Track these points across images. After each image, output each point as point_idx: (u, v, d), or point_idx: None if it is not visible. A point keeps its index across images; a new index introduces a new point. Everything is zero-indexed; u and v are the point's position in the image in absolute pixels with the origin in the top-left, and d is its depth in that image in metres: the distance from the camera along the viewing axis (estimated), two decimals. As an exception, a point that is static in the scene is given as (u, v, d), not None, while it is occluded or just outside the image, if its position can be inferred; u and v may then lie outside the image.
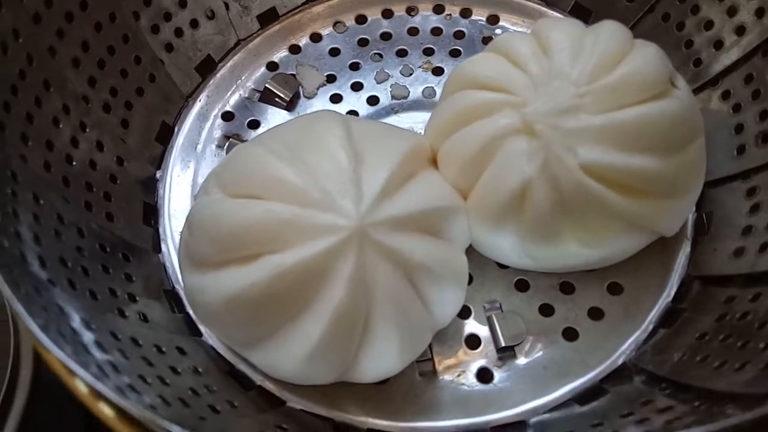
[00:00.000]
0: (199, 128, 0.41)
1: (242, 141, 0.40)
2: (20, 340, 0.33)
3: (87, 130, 0.35)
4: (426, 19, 0.44)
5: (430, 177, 0.33)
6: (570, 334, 0.34)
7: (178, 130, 0.40)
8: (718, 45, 0.37)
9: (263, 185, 0.30)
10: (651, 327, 0.33)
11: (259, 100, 0.42)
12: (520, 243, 0.33)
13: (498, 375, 0.33)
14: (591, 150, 0.30)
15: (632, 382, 0.31)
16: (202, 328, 0.34)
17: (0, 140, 0.29)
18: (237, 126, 0.41)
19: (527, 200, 0.31)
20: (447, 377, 0.33)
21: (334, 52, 0.43)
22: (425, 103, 0.41)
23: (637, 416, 0.28)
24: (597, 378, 0.32)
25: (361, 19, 0.44)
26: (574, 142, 0.30)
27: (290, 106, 0.41)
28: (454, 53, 0.43)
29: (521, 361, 0.33)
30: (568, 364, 0.33)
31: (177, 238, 0.36)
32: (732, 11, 0.36)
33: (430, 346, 0.33)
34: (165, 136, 0.40)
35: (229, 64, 0.43)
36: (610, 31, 0.32)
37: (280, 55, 0.43)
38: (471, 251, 0.34)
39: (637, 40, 0.33)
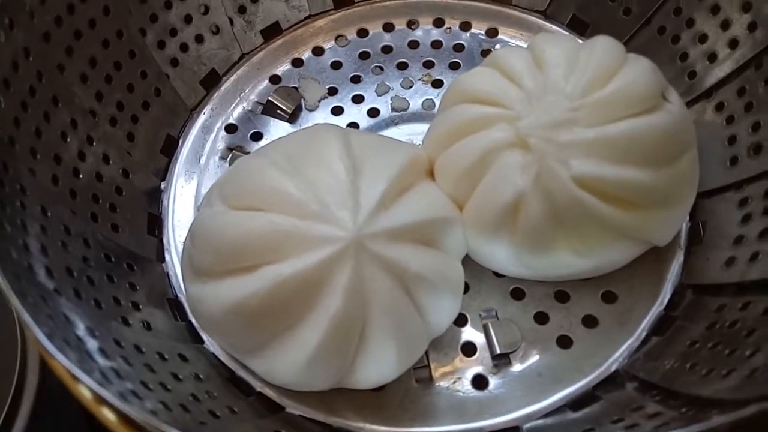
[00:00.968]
0: (203, 140, 0.42)
1: (245, 153, 0.41)
2: (27, 348, 0.34)
3: (94, 143, 0.36)
4: (426, 32, 0.45)
5: (427, 188, 0.34)
6: (564, 342, 0.34)
7: (183, 142, 0.41)
8: (712, 58, 0.37)
9: (264, 198, 0.31)
10: (644, 335, 0.34)
11: (262, 113, 0.43)
12: (514, 253, 0.33)
13: (493, 382, 0.33)
14: (583, 163, 0.31)
15: (624, 388, 0.32)
16: (204, 335, 0.35)
17: (10, 155, 0.30)
18: (240, 138, 0.42)
19: (521, 212, 0.32)
20: (443, 384, 0.33)
21: (336, 65, 0.44)
22: (425, 115, 0.42)
23: (627, 422, 0.28)
24: (590, 385, 0.33)
25: (362, 33, 0.45)
26: (567, 155, 0.31)
27: (292, 118, 0.42)
28: (454, 66, 0.44)
29: (516, 368, 0.34)
30: (562, 371, 0.33)
31: (180, 248, 0.37)
32: (725, 25, 0.37)
33: (426, 353, 0.33)
34: (170, 148, 0.41)
35: (233, 78, 0.44)
36: (603, 47, 0.33)
37: (283, 68, 0.44)
38: (468, 260, 0.35)
39: (630, 55, 0.33)
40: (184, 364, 0.32)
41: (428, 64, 0.44)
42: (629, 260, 0.34)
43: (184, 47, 0.42)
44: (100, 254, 0.33)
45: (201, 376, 0.32)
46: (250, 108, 0.43)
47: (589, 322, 0.35)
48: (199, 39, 0.43)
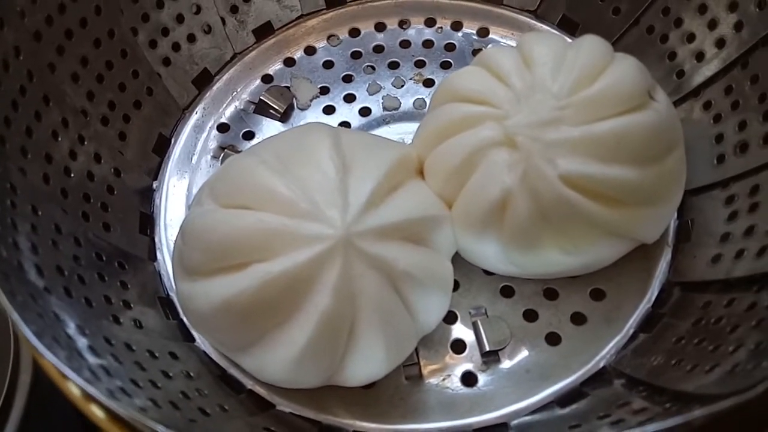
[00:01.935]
0: (195, 140, 0.42)
1: (237, 152, 0.41)
2: (20, 346, 0.34)
3: (85, 142, 0.36)
4: (418, 32, 0.45)
5: (416, 187, 0.34)
6: (553, 339, 0.34)
7: (175, 141, 0.42)
8: (700, 57, 0.38)
9: (254, 196, 0.31)
10: (631, 332, 0.34)
11: (254, 112, 0.43)
12: (503, 251, 0.33)
13: (482, 378, 0.34)
14: (570, 161, 0.31)
15: (612, 385, 0.32)
16: (194, 334, 0.35)
17: (0, 154, 0.31)
18: (232, 137, 0.42)
19: (508, 210, 0.32)
20: (433, 381, 0.34)
21: (328, 64, 0.44)
22: (416, 114, 0.42)
23: (613, 417, 0.28)
24: (578, 381, 0.33)
25: (354, 33, 0.45)
26: (554, 154, 0.31)
27: (284, 117, 0.42)
28: (445, 65, 0.44)
29: (505, 365, 0.34)
30: (551, 368, 0.34)
31: (172, 246, 0.37)
32: (712, 24, 0.37)
33: (416, 350, 0.33)
34: (162, 147, 0.41)
35: (225, 77, 0.44)
36: (590, 46, 0.33)
37: (275, 67, 0.44)
38: (458, 258, 0.35)
39: (618, 54, 0.34)
40: (175, 361, 0.32)
41: (419, 64, 0.44)
42: (617, 258, 0.34)
43: (176, 47, 0.42)
44: (91, 253, 0.33)
45: (191, 374, 0.32)
46: (242, 107, 0.43)
47: (578, 319, 0.35)
48: (191, 38, 0.43)
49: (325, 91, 0.43)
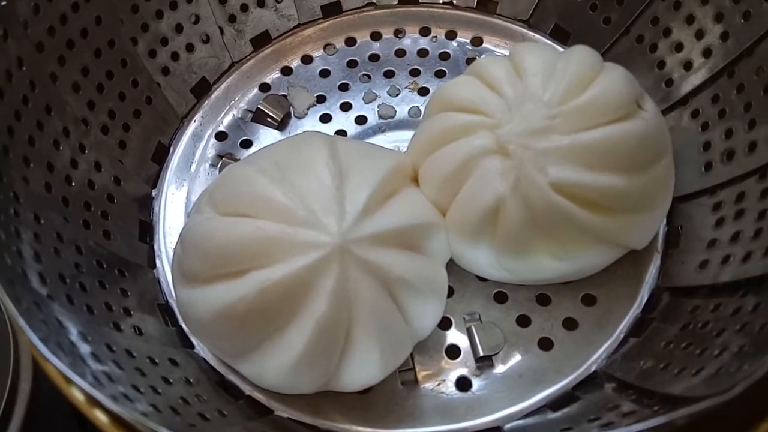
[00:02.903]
0: (193, 148, 0.42)
1: (235, 160, 0.41)
2: (20, 354, 0.35)
3: (86, 151, 0.37)
4: (413, 41, 0.46)
5: (411, 194, 0.35)
6: (545, 344, 0.35)
7: (174, 150, 0.42)
8: (688, 66, 0.38)
9: (252, 204, 0.31)
10: (622, 336, 0.35)
11: (252, 120, 0.43)
12: (495, 257, 0.34)
13: (476, 383, 0.34)
14: (560, 169, 0.31)
15: (603, 388, 0.33)
16: (194, 340, 0.35)
17: (3, 163, 0.31)
18: (230, 145, 0.43)
19: (500, 217, 0.33)
20: (428, 386, 0.34)
21: (325, 73, 0.45)
22: (411, 122, 0.43)
23: (603, 420, 0.29)
24: (570, 385, 0.34)
25: (350, 42, 0.46)
26: (545, 162, 0.32)
27: (281, 125, 0.43)
28: (440, 74, 0.45)
29: (499, 369, 0.35)
30: (543, 373, 0.34)
31: (171, 254, 0.38)
32: (699, 34, 0.38)
33: (411, 356, 0.34)
34: (161, 156, 0.42)
35: (223, 86, 0.45)
36: (580, 56, 0.34)
37: (272, 76, 0.45)
38: (452, 265, 0.35)
39: (607, 64, 0.34)
40: (175, 368, 0.33)
41: (415, 73, 0.45)
42: (607, 264, 0.35)
43: (174, 56, 0.43)
44: (92, 261, 0.34)
45: (191, 380, 0.33)
46: (239, 116, 0.44)
47: (570, 324, 0.35)
48: (190, 48, 0.43)
49: (321, 99, 0.44)
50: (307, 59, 0.46)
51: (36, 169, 0.33)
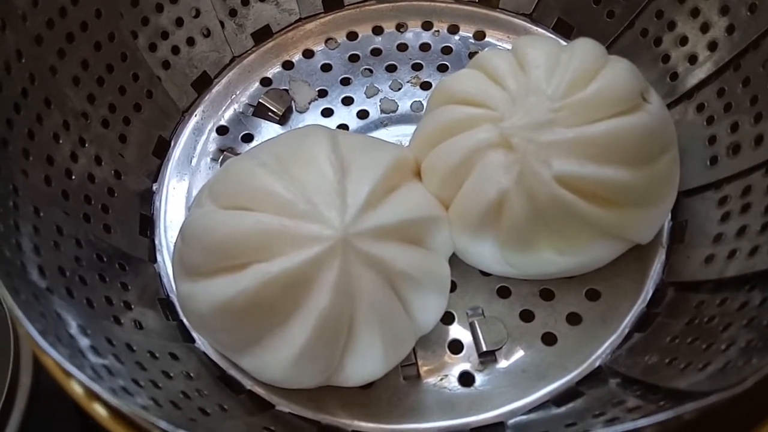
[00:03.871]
0: (194, 142, 0.42)
1: (236, 154, 0.41)
2: (20, 348, 0.34)
3: (86, 145, 0.36)
4: (415, 35, 0.46)
5: (413, 188, 0.35)
6: (549, 339, 0.35)
7: (174, 144, 0.42)
8: (693, 60, 0.38)
9: (253, 197, 0.31)
10: (626, 331, 0.35)
11: (253, 115, 0.43)
12: (499, 251, 0.34)
13: (479, 378, 0.34)
14: (564, 162, 0.31)
15: (607, 384, 0.32)
16: (195, 335, 0.35)
17: (3, 156, 0.31)
18: (231, 140, 0.42)
19: (504, 211, 0.32)
20: (430, 381, 0.34)
21: (326, 67, 0.45)
22: (413, 116, 0.42)
23: (608, 416, 0.29)
24: (574, 381, 0.33)
25: (352, 36, 0.46)
26: (549, 155, 0.31)
27: (283, 120, 0.43)
28: (442, 68, 0.44)
29: (502, 365, 0.34)
30: (547, 368, 0.34)
31: (172, 248, 0.38)
32: (705, 28, 0.38)
33: (414, 350, 0.34)
34: (161, 150, 0.41)
35: (224, 80, 0.44)
36: (584, 48, 0.34)
37: (273, 70, 0.45)
38: (455, 260, 0.35)
39: (611, 56, 0.34)
40: (175, 362, 0.32)
41: (417, 67, 0.44)
42: (612, 258, 0.35)
43: (175, 50, 0.43)
44: (93, 254, 0.34)
45: (192, 375, 0.32)
46: (241, 110, 0.43)
47: (574, 319, 0.35)
48: (191, 42, 0.43)
49: (323, 94, 0.44)
50: (308, 53, 0.45)
51: (36, 162, 0.33)
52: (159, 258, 0.38)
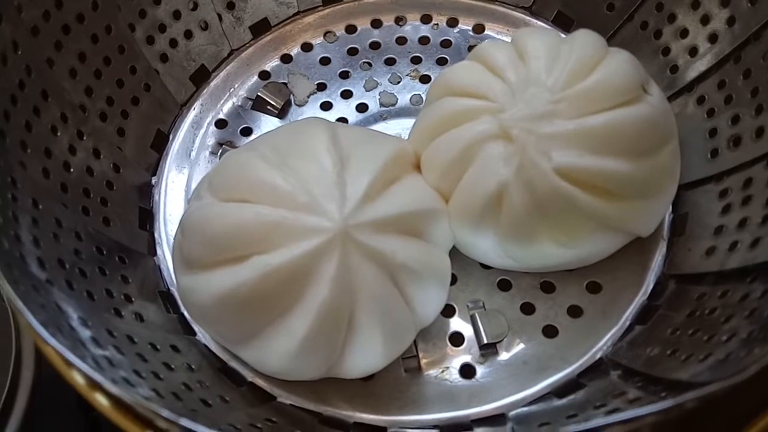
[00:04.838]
0: (193, 136, 0.42)
1: (235, 148, 0.41)
2: (22, 343, 0.34)
3: (84, 138, 0.36)
4: (414, 28, 0.46)
5: (413, 180, 0.34)
6: (550, 332, 0.35)
7: (173, 137, 0.42)
8: (693, 52, 0.38)
9: (252, 189, 0.31)
10: (627, 324, 0.35)
11: (252, 108, 0.43)
12: (499, 244, 0.34)
13: (480, 371, 0.34)
14: (564, 154, 0.31)
15: (608, 376, 0.32)
16: (195, 327, 0.35)
17: (0, 148, 0.31)
18: (230, 133, 0.42)
19: (504, 203, 0.32)
20: (431, 373, 0.34)
21: (325, 61, 0.45)
22: (413, 110, 0.42)
23: (609, 407, 0.29)
24: (575, 373, 0.33)
25: (350, 29, 0.46)
26: (549, 147, 0.31)
27: (282, 113, 0.43)
28: (441, 61, 0.44)
29: (503, 357, 0.34)
30: (548, 360, 0.34)
31: (172, 241, 0.37)
32: (705, 20, 0.37)
33: (415, 343, 0.34)
34: (160, 143, 0.41)
35: (222, 74, 0.44)
36: (584, 40, 0.34)
37: (272, 64, 0.45)
38: (455, 252, 0.35)
39: (612, 48, 0.34)
40: (176, 354, 0.32)
41: (416, 60, 0.44)
42: (613, 251, 0.35)
43: (173, 43, 0.42)
44: (92, 247, 0.34)
45: (193, 367, 0.32)
46: (239, 103, 0.43)
47: (574, 312, 0.35)
48: (188, 35, 0.43)
49: (322, 87, 0.44)
50: (307, 47, 0.45)
51: (34, 154, 0.33)
52: (159, 251, 0.38)
